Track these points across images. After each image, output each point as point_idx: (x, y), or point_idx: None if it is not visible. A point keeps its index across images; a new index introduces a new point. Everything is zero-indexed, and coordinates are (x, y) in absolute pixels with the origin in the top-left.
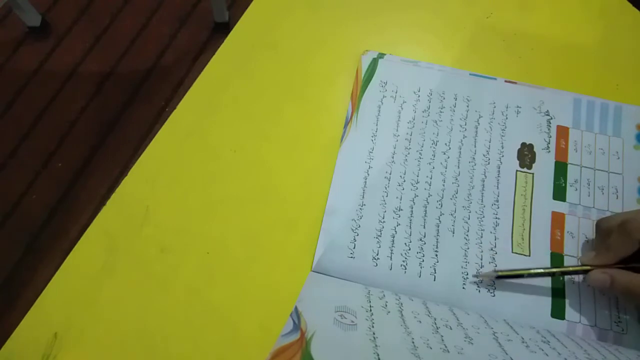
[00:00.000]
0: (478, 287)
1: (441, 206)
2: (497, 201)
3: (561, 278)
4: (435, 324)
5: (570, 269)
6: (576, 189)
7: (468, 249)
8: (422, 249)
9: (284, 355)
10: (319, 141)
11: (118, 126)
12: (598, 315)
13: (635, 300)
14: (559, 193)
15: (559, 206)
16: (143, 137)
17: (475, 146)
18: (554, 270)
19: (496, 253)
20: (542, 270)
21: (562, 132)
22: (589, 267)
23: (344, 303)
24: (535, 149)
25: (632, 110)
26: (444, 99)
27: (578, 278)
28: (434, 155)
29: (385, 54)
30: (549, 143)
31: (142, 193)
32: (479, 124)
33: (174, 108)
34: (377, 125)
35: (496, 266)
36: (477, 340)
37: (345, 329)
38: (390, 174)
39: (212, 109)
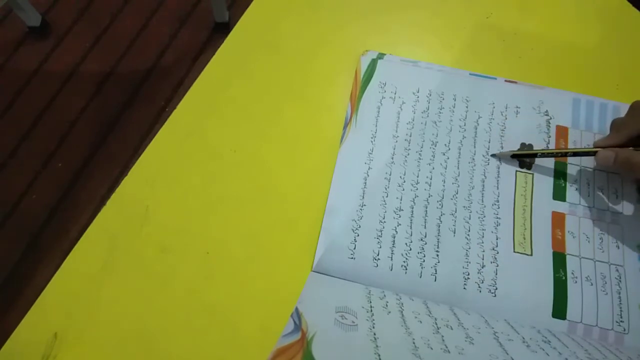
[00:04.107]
0: (479, 287)
1: (442, 206)
2: (498, 201)
3: (563, 277)
4: (436, 324)
5: (582, 150)
6: (576, 189)
7: (469, 248)
8: (422, 249)
9: (285, 354)
10: (319, 141)
11: (118, 126)
12: (600, 314)
13: (632, 174)
14: (559, 193)
15: (559, 206)
16: (143, 137)
17: (474, 146)
18: (566, 150)
19: (498, 253)
20: (555, 150)
21: (562, 132)
22: (599, 149)
23: (344, 303)
24: (535, 149)
25: None
26: (443, 99)
27: (580, 277)
28: (433, 156)
29: (384, 54)
30: (548, 143)
31: (142, 193)
32: (478, 124)
33: (174, 108)
34: (376, 126)
35: (498, 266)
36: (478, 340)
37: (346, 329)
38: (390, 174)
39: (212, 109)
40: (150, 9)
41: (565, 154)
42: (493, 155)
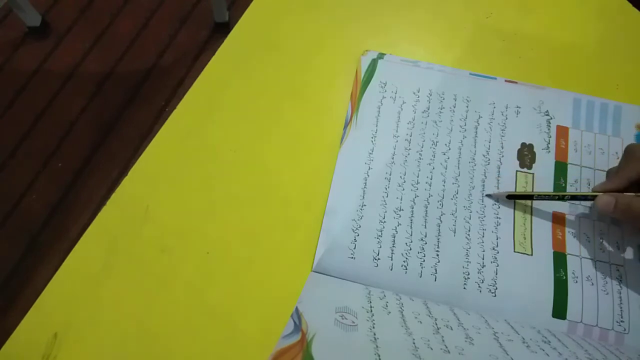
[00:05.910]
0: (479, 286)
1: (442, 206)
2: (498, 201)
3: (564, 277)
4: (436, 324)
5: (581, 194)
6: (576, 189)
7: (470, 248)
8: (423, 248)
9: (285, 356)
10: (319, 141)
11: (118, 126)
12: (600, 314)
13: (632, 221)
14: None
15: (560, 206)
16: (143, 137)
17: (475, 146)
18: (564, 193)
19: (498, 252)
20: (552, 193)
21: (562, 132)
22: (598, 193)
23: (344, 304)
24: (535, 149)
25: (632, 110)
26: (443, 99)
27: (580, 277)
28: (433, 156)
29: (385, 54)
30: (548, 143)
31: (142, 193)
32: (478, 124)
33: (174, 108)
34: (376, 126)
35: (498, 266)
36: (478, 340)
37: (346, 329)
38: (390, 174)
39: (212, 109)
40: (150, 9)
41: (563, 198)
42: (489, 196)
